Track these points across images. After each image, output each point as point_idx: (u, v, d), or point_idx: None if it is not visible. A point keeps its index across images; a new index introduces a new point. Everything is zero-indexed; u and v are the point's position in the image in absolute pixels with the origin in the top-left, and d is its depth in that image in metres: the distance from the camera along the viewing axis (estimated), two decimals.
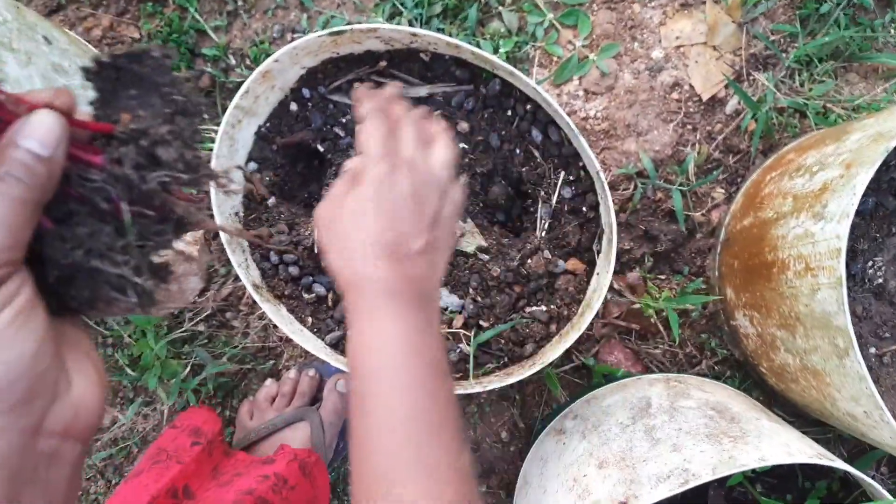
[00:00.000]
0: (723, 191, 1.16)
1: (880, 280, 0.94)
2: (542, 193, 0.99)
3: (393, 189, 0.60)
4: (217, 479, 0.98)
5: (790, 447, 0.81)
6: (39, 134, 0.38)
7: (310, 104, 0.98)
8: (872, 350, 0.94)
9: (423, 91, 0.97)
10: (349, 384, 0.60)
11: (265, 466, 0.99)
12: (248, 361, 1.20)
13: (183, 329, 1.17)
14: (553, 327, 0.96)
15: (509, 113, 0.98)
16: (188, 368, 1.17)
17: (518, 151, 0.99)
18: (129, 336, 1.16)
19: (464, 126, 0.98)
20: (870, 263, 0.94)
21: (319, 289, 0.99)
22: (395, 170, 0.61)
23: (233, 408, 1.21)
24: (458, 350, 0.94)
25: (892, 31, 1.15)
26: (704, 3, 1.18)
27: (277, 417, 1.12)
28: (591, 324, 1.16)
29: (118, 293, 0.43)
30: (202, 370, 1.16)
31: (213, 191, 0.91)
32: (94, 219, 0.43)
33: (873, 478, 1.13)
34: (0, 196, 0.35)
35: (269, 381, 1.18)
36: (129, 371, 1.17)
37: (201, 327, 1.19)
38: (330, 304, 0.99)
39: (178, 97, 0.48)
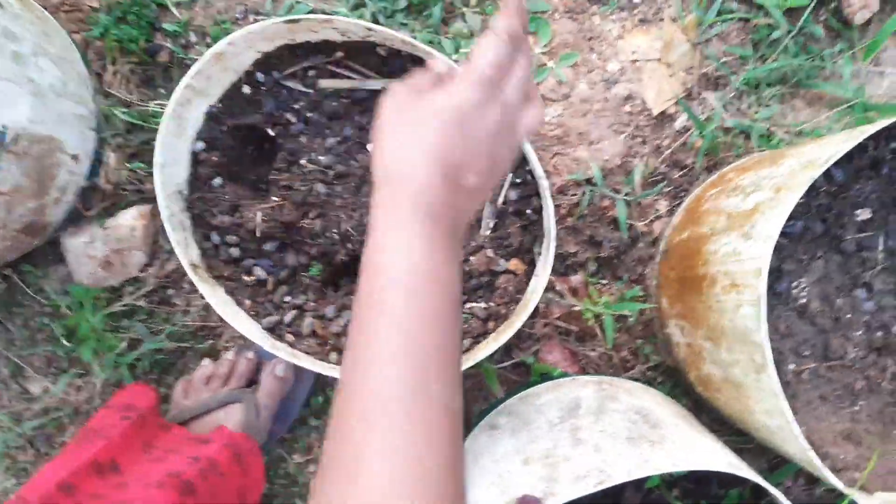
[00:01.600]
0: (666, 203, 1.19)
1: (804, 300, 0.97)
2: (489, 194, 1.00)
3: (482, 118, 0.58)
4: (149, 454, 0.98)
5: (705, 455, 0.84)
6: None
7: (263, 88, 0.99)
8: (792, 366, 0.98)
9: (378, 84, 0.98)
10: (358, 287, 0.57)
11: (199, 447, 0.99)
12: (186, 340, 1.20)
13: (122, 303, 1.17)
14: (490, 325, 0.98)
15: None
16: (125, 343, 1.16)
17: None
18: (67, 307, 1.15)
19: None
20: (795, 284, 0.97)
21: (260, 272, 0.99)
22: (492, 102, 0.59)
23: (168, 385, 1.21)
24: None
25: (840, 62, 1.19)
26: (662, 20, 1.21)
27: (212, 397, 1.12)
28: (533, 323, 1.19)
29: None
30: (139, 345, 1.16)
31: (156, 170, 0.91)
32: None
33: (790, 489, 1.18)
34: None
35: (206, 361, 1.18)
36: (63, 342, 1.16)
37: (141, 302, 1.18)
38: (270, 287, 1.00)
39: None
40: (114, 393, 1.19)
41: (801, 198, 0.97)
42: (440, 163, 0.56)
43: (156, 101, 1.21)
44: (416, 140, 0.57)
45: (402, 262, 0.55)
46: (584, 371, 1.20)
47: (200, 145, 0.98)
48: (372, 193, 0.58)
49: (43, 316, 1.19)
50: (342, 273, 1.05)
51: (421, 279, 0.55)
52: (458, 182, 0.58)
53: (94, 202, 1.16)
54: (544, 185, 0.89)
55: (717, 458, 0.84)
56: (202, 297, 1.18)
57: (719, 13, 1.18)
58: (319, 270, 1.00)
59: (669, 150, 1.19)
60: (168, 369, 1.21)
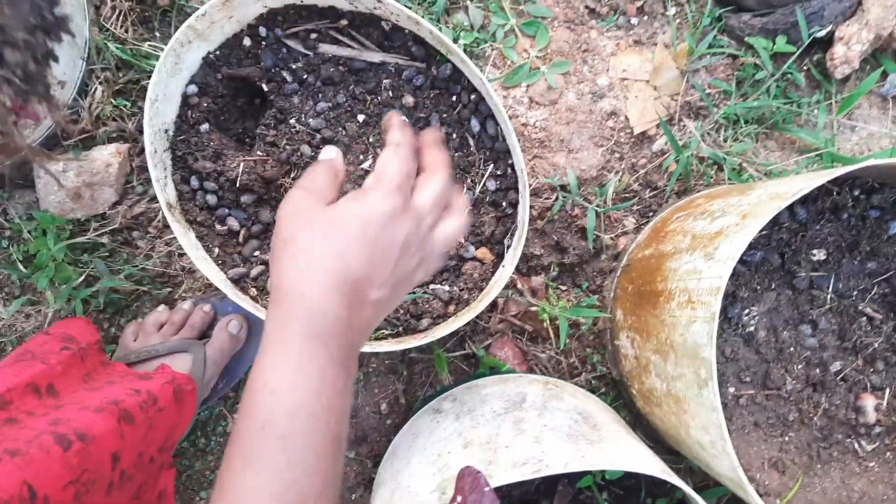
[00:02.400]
0: (634, 221, 1.23)
1: (752, 328, 1.01)
2: (469, 181, 1.03)
3: (390, 229, 0.55)
4: (88, 384, 0.97)
5: (638, 460, 0.87)
6: None
7: (264, 43, 1.00)
8: (731, 390, 1.02)
9: (376, 57, 1.00)
10: (240, 407, 0.54)
11: (140, 381, 0.98)
12: (145, 283, 1.20)
13: (86, 237, 1.16)
14: (451, 308, 1.00)
15: (454, 99, 1.02)
16: (82, 277, 1.15)
17: (455, 137, 1.02)
18: (29, 232, 1.14)
19: (409, 100, 1.01)
20: (746, 311, 1.01)
21: (233, 223, 1.00)
22: (403, 215, 0.56)
23: (119, 326, 1.20)
24: None
25: (816, 111, 1.24)
26: (655, 45, 1.25)
27: (161, 344, 1.12)
28: (489, 317, 1.21)
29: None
30: (96, 282, 1.15)
31: (147, 105, 0.91)
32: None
33: None
34: None
35: (161, 307, 1.17)
36: (20, 267, 1.14)
37: (105, 240, 1.17)
38: (240, 240, 1.01)
39: (48, 15, 0.48)
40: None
41: (764, 230, 1.02)
42: (339, 281, 0.53)
43: (150, 43, 1.20)
44: (314, 257, 0.53)
45: (286, 399, 0.51)
46: (532, 371, 1.23)
47: (193, 89, 0.98)
48: (269, 307, 0.55)
49: (3, 238, 1.17)
50: None
51: (302, 422, 0.51)
52: (359, 298, 0.54)
53: (73, 132, 1.15)
54: (524, 179, 0.91)
55: (652, 464, 0.87)
56: (167, 245, 1.18)
57: (710, 46, 1.22)
58: None
59: (644, 170, 1.23)
60: (122, 311, 1.20)
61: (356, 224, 0.54)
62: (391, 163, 0.58)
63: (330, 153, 0.65)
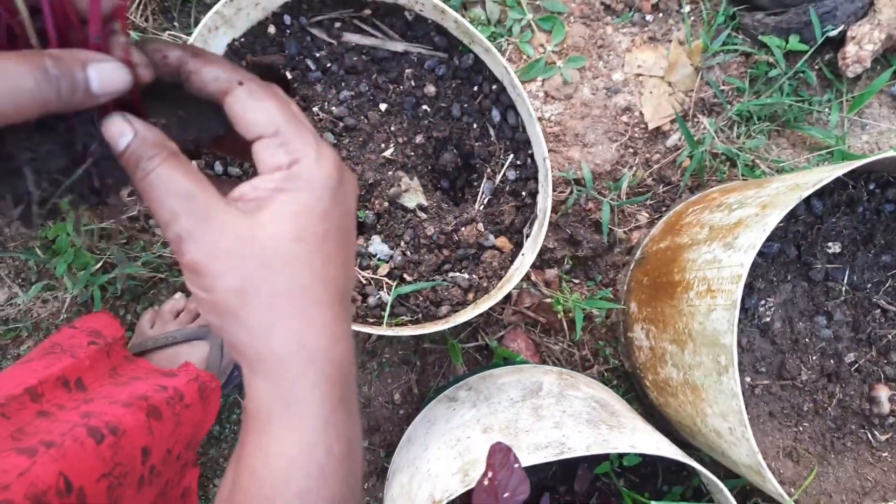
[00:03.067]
0: (647, 215, 1.24)
1: (768, 319, 1.03)
2: (489, 170, 1.04)
3: (345, 197, 0.44)
4: (115, 379, 0.97)
5: (659, 445, 0.88)
6: (106, 76, 0.38)
7: (288, 31, 1.00)
8: (748, 380, 1.03)
9: (399, 47, 1.01)
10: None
11: (165, 378, 0.99)
12: (162, 271, 1.20)
13: (103, 224, 1.16)
14: (470, 296, 1.01)
15: (475, 89, 1.03)
16: (100, 264, 1.15)
17: (475, 126, 1.04)
18: None
19: (431, 89, 1.02)
20: (762, 302, 1.03)
21: None
22: (341, 164, 0.44)
23: (136, 313, 1.20)
24: (377, 296, 0.98)
25: (828, 109, 1.25)
26: (670, 42, 1.27)
27: (178, 331, 1.12)
28: (503, 309, 1.22)
29: (10, 201, 0.44)
30: (114, 269, 1.15)
31: None
32: (64, 148, 0.44)
33: None
34: (33, 82, 0.35)
35: (178, 295, 1.18)
36: (38, 252, 1.15)
37: (123, 227, 1.18)
38: None
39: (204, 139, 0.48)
40: (80, 314, 1.18)
41: (780, 222, 1.03)
42: (333, 293, 0.44)
43: (170, 32, 1.21)
44: (286, 285, 0.42)
45: (283, 467, 0.42)
46: (544, 363, 1.24)
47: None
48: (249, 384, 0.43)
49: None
50: None
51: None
52: (345, 302, 0.45)
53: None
54: (546, 167, 0.92)
55: (673, 449, 0.88)
56: None
57: (724, 43, 1.24)
58: None
59: (658, 165, 1.24)
60: (139, 298, 1.21)
61: (317, 222, 0.43)
62: (273, 112, 0.43)
63: None
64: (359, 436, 0.46)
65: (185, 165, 0.41)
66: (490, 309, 1.15)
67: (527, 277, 1.22)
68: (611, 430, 0.90)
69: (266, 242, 0.41)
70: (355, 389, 0.46)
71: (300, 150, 0.42)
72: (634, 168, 1.25)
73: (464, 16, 1.24)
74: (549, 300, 1.20)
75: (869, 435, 1.03)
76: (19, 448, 0.71)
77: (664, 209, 1.25)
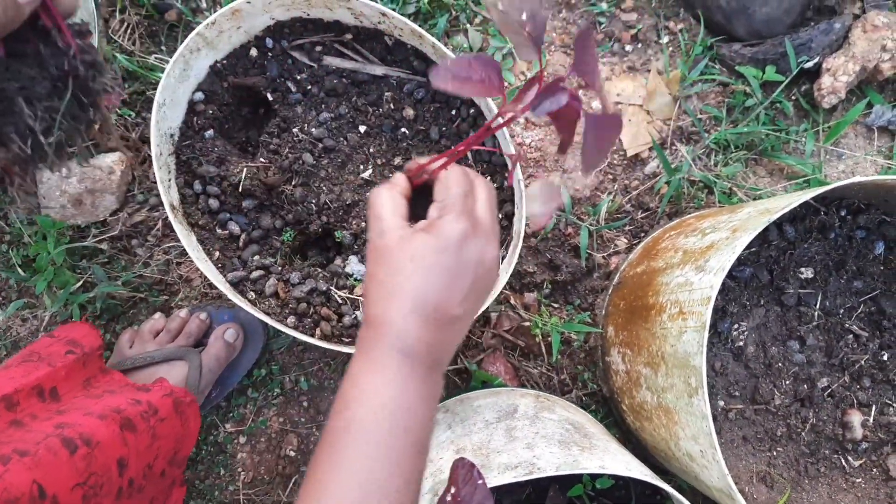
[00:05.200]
0: (625, 240, 1.25)
1: (741, 343, 1.03)
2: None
3: (463, 253, 0.58)
4: (88, 391, 0.98)
5: (629, 465, 0.88)
6: None
7: (270, 54, 1.02)
8: (721, 403, 1.03)
9: (379, 70, 1.03)
10: (331, 415, 0.58)
11: (139, 392, 0.99)
12: (142, 290, 1.20)
13: (85, 243, 1.17)
14: None
15: (453, 112, 1.04)
16: (80, 283, 1.16)
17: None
18: (29, 236, 1.15)
19: (409, 112, 1.03)
20: (735, 326, 1.03)
21: (234, 227, 1.01)
22: (474, 235, 0.59)
23: (115, 333, 1.20)
24: (353, 315, 0.98)
25: (804, 139, 1.27)
26: (649, 71, 1.29)
27: (157, 351, 1.12)
28: (482, 332, 1.22)
29: (17, 137, 0.46)
30: (94, 288, 1.16)
31: (155, 108, 0.93)
32: (42, 71, 0.46)
33: None
34: None
35: (157, 315, 1.18)
36: (19, 270, 1.15)
37: (104, 246, 1.19)
38: (241, 244, 1.02)
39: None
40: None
41: (753, 247, 1.05)
42: (421, 305, 0.57)
43: (156, 56, 1.23)
44: (398, 283, 0.58)
45: (370, 399, 0.56)
46: (523, 386, 1.24)
47: (200, 95, 1.01)
48: (360, 331, 0.61)
49: (3, 242, 1.18)
50: (313, 243, 1.07)
51: (385, 421, 0.55)
52: (439, 319, 0.58)
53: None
54: (521, 189, 0.93)
55: (643, 470, 0.88)
56: (165, 253, 1.19)
57: (702, 73, 1.26)
58: (292, 237, 1.03)
59: (637, 192, 1.26)
60: (118, 317, 1.21)
61: (430, 255, 0.58)
62: (452, 186, 0.62)
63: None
64: (425, 395, 0.59)
65: None
66: (469, 332, 1.16)
67: (506, 301, 1.23)
68: (582, 451, 0.90)
69: (413, 246, 0.58)
70: (430, 369, 0.60)
71: (447, 215, 0.59)
72: (613, 194, 1.26)
73: (446, 43, 1.27)
74: (527, 324, 1.21)
75: (843, 460, 1.04)
76: None
77: (642, 234, 1.26)
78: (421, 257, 0.58)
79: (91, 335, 1.07)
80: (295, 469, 1.21)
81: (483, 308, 0.66)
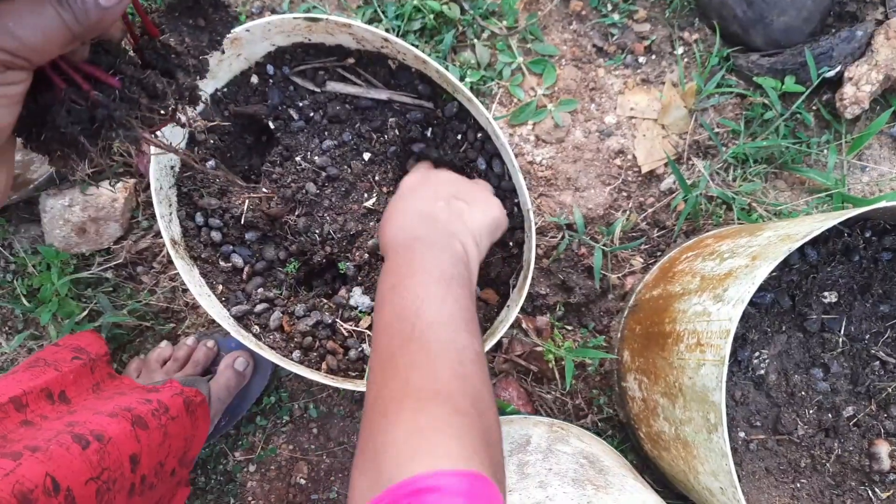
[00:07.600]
0: (641, 260, 1.22)
1: (762, 371, 0.99)
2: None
3: (424, 186, 0.85)
4: (97, 394, 0.98)
5: None
6: None
7: (271, 81, 1.00)
8: (742, 434, 1.00)
9: (383, 95, 1.00)
10: (382, 285, 0.72)
11: (149, 393, 0.99)
12: (148, 319, 1.19)
13: (90, 272, 1.15)
14: None
15: (459, 137, 1.01)
16: (86, 312, 1.14)
17: None
18: (34, 266, 1.14)
19: (416, 136, 1.00)
20: (756, 354, 1.00)
21: (237, 259, 0.99)
22: (425, 180, 0.87)
23: (122, 362, 1.19)
24: (360, 349, 0.96)
25: (826, 151, 1.23)
26: (664, 84, 1.25)
27: (165, 380, 1.11)
28: (493, 357, 1.19)
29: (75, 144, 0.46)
30: (100, 317, 1.14)
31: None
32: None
33: None
34: (55, 13, 0.37)
35: (164, 343, 1.16)
36: (24, 301, 1.14)
37: (109, 275, 1.17)
38: (244, 277, 1.00)
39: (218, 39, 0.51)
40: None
41: (774, 271, 1.01)
42: (414, 212, 0.81)
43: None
44: (398, 211, 0.82)
45: (433, 266, 0.72)
46: (537, 412, 1.21)
47: (200, 126, 0.98)
48: (384, 262, 0.75)
49: (7, 272, 1.17)
50: (317, 274, 1.05)
51: (447, 277, 0.70)
52: (429, 212, 0.80)
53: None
54: (531, 218, 0.90)
55: None
56: (171, 280, 1.17)
57: (718, 85, 1.22)
58: (296, 268, 1.00)
59: (652, 209, 1.22)
60: (124, 346, 1.20)
61: (406, 193, 0.86)
62: (411, 174, 0.91)
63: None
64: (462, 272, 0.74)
65: None
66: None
67: (518, 325, 1.20)
68: (597, 490, 0.87)
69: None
70: (448, 245, 0.77)
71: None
72: (628, 212, 1.22)
73: (453, 60, 1.23)
74: (540, 348, 1.18)
75: (870, 492, 0.99)
76: (3, 452, 0.73)
77: (659, 254, 1.22)
78: (400, 197, 0.87)
79: (96, 343, 1.06)
80: (305, 497, 1.19)
81: (477, 210, 0.84)
